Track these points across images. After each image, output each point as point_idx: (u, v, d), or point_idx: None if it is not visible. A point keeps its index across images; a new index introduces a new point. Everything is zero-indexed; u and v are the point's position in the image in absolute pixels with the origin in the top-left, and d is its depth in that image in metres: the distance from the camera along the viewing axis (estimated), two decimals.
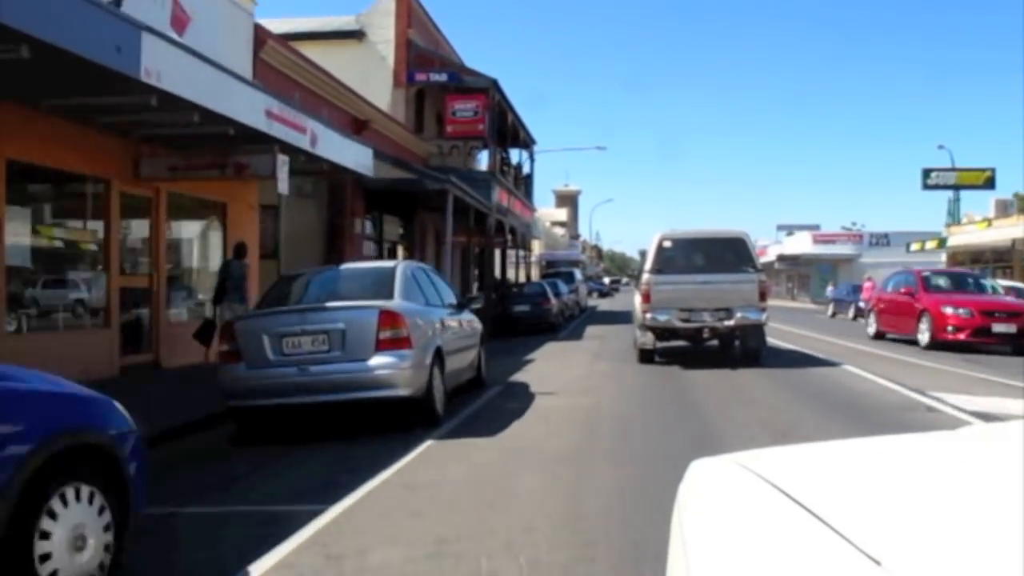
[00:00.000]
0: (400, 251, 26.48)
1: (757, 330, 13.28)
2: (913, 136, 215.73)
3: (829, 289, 57.37)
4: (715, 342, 14.65)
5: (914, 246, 39.30)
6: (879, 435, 1.66)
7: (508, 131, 31.32)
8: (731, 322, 12.97)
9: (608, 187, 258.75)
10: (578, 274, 37.04)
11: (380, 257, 23.99)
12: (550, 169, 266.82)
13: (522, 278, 36.81)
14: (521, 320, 23.17)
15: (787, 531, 1.13)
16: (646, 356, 13.70)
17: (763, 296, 13.16)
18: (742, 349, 13.78)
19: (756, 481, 1.31)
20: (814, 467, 1.42)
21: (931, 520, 1.08)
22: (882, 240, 59.22)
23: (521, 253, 62.36)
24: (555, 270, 38.83)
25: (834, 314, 35.01)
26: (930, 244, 36.19)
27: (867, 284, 31.65)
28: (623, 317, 31.03)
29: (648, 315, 13.16)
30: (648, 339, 13.56)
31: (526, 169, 37.18)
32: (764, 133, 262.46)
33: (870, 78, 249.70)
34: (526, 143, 36.45)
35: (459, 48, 33.16)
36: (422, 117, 29.35)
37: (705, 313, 13.05)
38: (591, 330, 24.56)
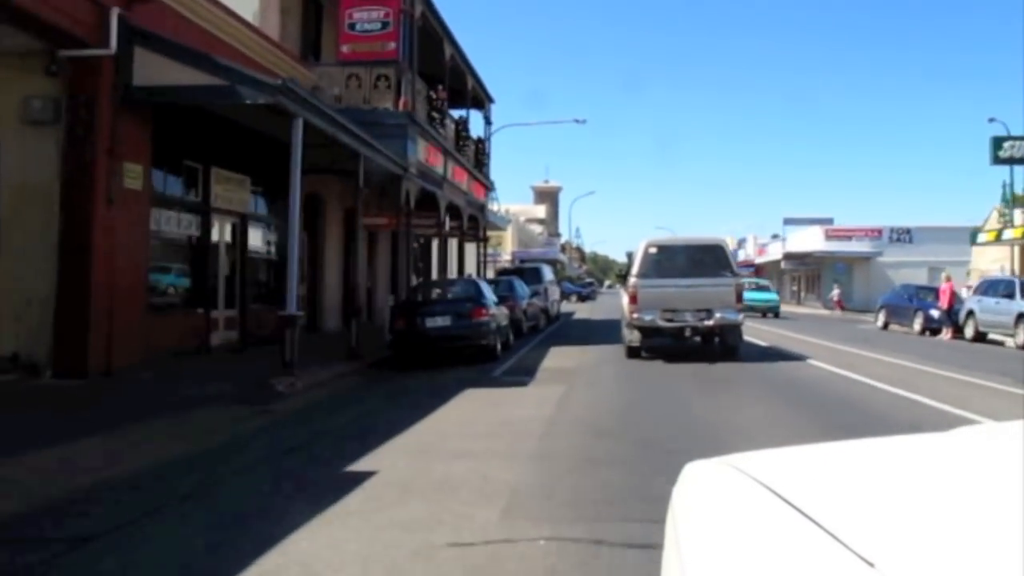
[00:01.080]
0: (258, 234, 16.79)
1: (735, 329, 14.16)
2: (917, 136, 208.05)
3: (835, 292, 48.47)
4: (697, 338, 14.77)
5: (984, 236, 29.87)
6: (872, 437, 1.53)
7: (446, 71, 21.66)
8: (711, 322, 13.76)
9: (596, 188, 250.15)
10: (547, 272, 27.51)
11: (205, 241, 14.29)
12: (529, 165, 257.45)
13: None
14: (437, 341, 13.58)
15: (781, 533, 1.10)
16: (633, 352, 14.28)
17: (739, 298, 14.06)
18: (722, 347, 14.44)
19: (749, 483, 1.28)
20: (807, 469, 1.38)
21: (925, 522, 1.05)
22: (904, 236, 50.04)
23: (489, 250, 52.72)
24: (517, 266, 29.13)
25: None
26: (1012, 232, 26.72)
27: (944, 286, 22.19)
28: (607, 332, 21.45)
29: (635, 315, 13.92)
30: (635, 337, 14.24)
31: (478, 133, 27.59)
32: (764, 131, 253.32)
33: (885, 77, 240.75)
34: (479, 99, 26.82)
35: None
36: (318, 40, 19.71)
37: (687, 313, 13.78)
38: (555, 357, 14.93)
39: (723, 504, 1.29)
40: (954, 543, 0.95)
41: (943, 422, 7.87)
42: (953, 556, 0.91)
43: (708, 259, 13.98)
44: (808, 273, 53.74)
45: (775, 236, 66.25)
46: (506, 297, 19.84)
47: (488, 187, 28.26)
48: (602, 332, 22.27)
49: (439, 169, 20.69)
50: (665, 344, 14.78)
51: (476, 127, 28.34)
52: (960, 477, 1.25)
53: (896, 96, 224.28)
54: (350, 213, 21.52)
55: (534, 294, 22.74)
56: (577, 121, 38.41)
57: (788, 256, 51.27)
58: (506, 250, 58.48)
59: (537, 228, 77.15)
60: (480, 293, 14.48)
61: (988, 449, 1.40)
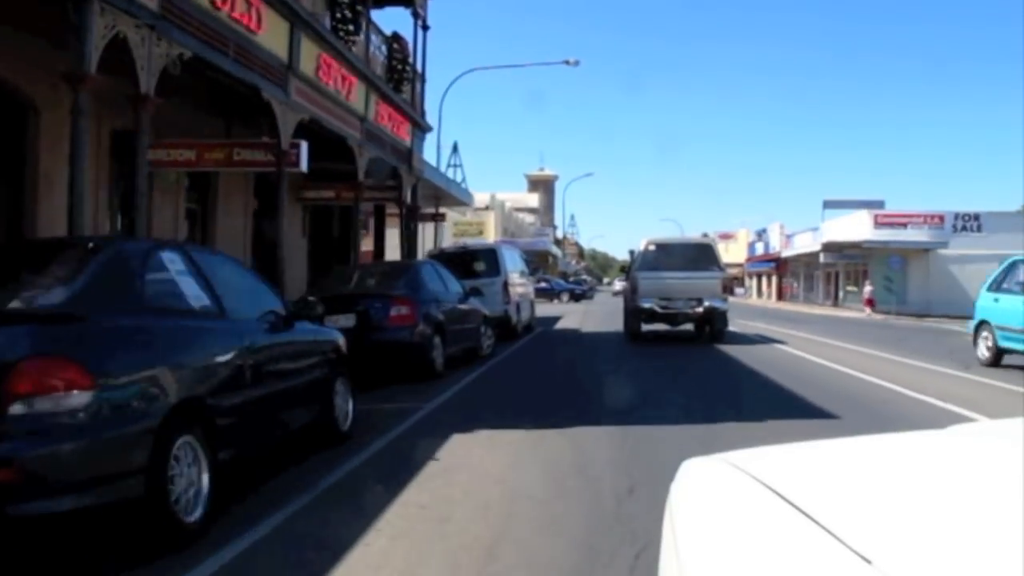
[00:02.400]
0: None
1: (722, 315, 15.30)
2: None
3: (866, 289, 38.17)
4: (689, 326, 15.91)
5: None
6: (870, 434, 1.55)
7: None
8: (700, 309, 14.98)
9: (598, 182, 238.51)
10: (511, 259, 16.85)
11: None
12: (523, 152, 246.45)
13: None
14: None
15: (779, 530, 1.07)
16: (635, 336, 15.65)
17: (725, 289, 16.14)
18: (710, 331, 15.36)
19: (747, 480, 1.25)
20: (805, 466, 1.35)
21: (922, 519, 1.03)
22: (971, 223, 39.55)
23: (471, 240, 42.22)
24: (459, 248, 18.24)
25: None
26: None
27: None
28: (605, 363, 11.05)
29: (636, 302, 15.15)
30: (632, 322, 15.68)
31: (407, 42, 16.89)
32: (780, 119, 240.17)
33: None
34: None
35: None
36: None
37: (680, 301, 14.96)
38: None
39: (720, 501, 1.26)
40: (950, 540, 0.94)
41: None
42: (949, 553, 0.90)
43: (699, 256, 15.43)
44: (850, 268, 43.00)
45: (786, 235, 55.86)
46: (398, 303, 9.36)
47: (420, 125, 17.59)
48: (596, 367, 11.59)
49: (275, 50, 10.11)
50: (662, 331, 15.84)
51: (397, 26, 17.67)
52: (956, 474, 1.24)
53: (957, 76, 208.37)
54: (126, 138, 10.98)
55: (470, 294, 12.12)
56: (568, 63, 27.84)
57: (828, 247, 40.50)
58: (488, 239, 48.05)
59: (529, 218, 66.68)
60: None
61: (984, 447, 1.39)
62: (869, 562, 0.88)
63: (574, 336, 18.13)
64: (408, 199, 17.16)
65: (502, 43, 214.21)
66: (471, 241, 23.29)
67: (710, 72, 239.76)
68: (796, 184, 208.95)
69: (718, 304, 15.02)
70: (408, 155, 16.80)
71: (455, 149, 38.65)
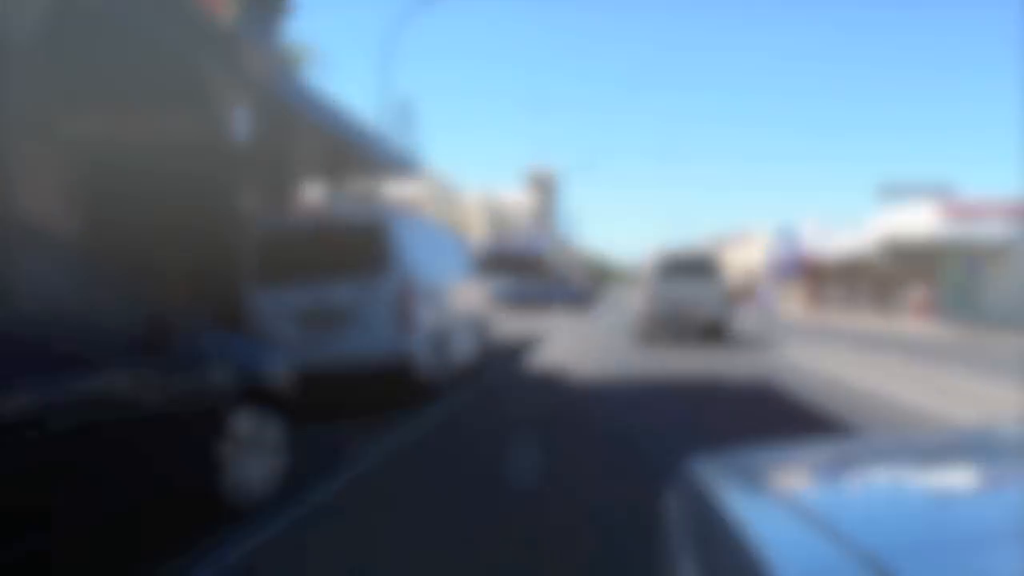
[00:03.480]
0: None
1: (724, 320, 16.37)
2: None
3: (915, 295, 30.09)
4: (694, 328, 16.35)
5: None
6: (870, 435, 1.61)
7: None
8: (705, 315, 16.04)
9: (603, 189, 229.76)
10: (415, 247, 8.41)
11: None
12: (524, 155, 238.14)
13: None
14: None
15: (779, 531, 1.03)
16: (645, 335, 16.62)
17: (729, 297, 16.66)
18: (713, 333, 16.41)
19: (747, 481, 1.23)
20: (806, 467, 1.34)
21: (925, 519, 1.01)
22: None
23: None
24: (312, 224, 9.71)
25: None
26: None
27: None
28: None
29: (648, 306, 16.23)
30: (648, 324, 16.42)
31: None
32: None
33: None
34: None
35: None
36: None
37: (687, 307, 16.07)
38: None
39: (719, 501, 1.19)
40: (954, 541, 0.90)
41: None
42: (952, 553, 0.87)
43: (705, 266, 16.60)
44: (903, 271, 34.35)
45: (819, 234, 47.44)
46: None
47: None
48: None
49: None
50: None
51: None
52: (960, 476, 1.19)
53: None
54: None
55: (149, 340, 3.59)
56: None
57: (887, 244, 31.81)
58: (474, 236, 39.76)
59: (524, 217, 58.42)
60: None
61: (987, 449, 1.35)
62: (869, 560, 0.85)
63: (551, 390, 9.60)
64: (236, 132, 8.71)
65: (500, 46, 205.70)
66: (341, 213, 14.34)
67: (711, 78, 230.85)
68: (814, 185, 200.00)
69: (721, 310, 16.33)
70: (231, 44, 8.35)
71: (408, 106, 29.93)
